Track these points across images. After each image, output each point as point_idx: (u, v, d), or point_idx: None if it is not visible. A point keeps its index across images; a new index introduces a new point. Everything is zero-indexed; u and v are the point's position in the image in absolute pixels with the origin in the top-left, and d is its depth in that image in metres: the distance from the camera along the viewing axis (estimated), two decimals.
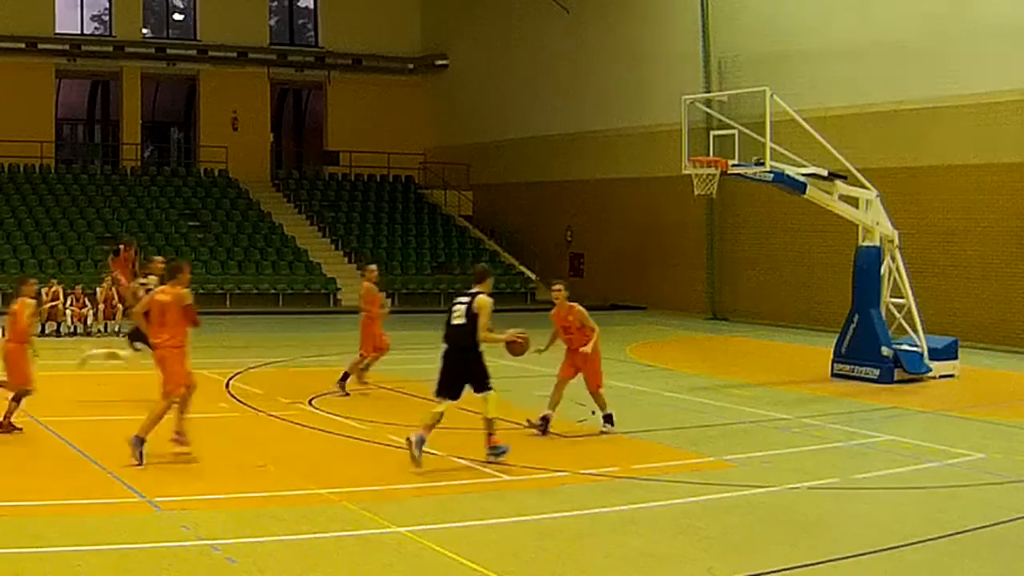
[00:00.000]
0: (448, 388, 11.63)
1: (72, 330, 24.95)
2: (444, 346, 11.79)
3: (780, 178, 18.56)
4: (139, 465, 10.99)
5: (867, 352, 18.76)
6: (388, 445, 12.67)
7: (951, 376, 19.38)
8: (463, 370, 11.61)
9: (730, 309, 31.65)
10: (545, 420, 13.42)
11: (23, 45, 37.35)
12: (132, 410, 14.40)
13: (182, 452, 11.48)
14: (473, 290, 11.83)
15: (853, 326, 19.08)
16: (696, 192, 18.91)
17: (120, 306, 25.29)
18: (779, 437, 13.96)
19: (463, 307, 11.65)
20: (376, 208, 41.13)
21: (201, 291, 31.66)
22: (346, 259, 37.29)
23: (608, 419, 13.74)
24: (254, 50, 41.12)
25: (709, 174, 18.45)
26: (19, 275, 31.23)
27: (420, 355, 18.06)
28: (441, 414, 11.50)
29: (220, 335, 23.96)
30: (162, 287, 12.14)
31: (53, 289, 25.06)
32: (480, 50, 40.85)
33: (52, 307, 24.75)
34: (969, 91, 24.98)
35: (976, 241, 25.26)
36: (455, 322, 11.64)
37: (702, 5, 31.50)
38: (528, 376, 18.15)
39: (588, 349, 13.44)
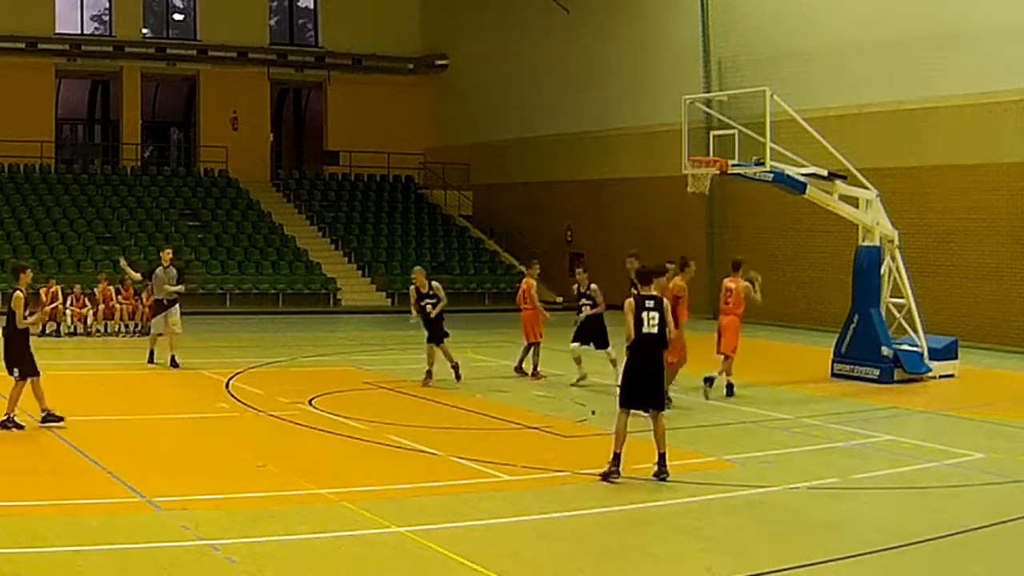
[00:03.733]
0: None
1: (72, 330, 24.92)
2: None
3: (780, 178, 18.54)
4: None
5: (867, 352, 18.73)
6: (388, 445, 12.67)
7: (951, 376, 19.34)
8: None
9: None
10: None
11: (23, 45, 37.27)
12: (132, 410, 14.44)
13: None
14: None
15: (853, 326, 19.05)
16: (689, 189, 18.91)
17: (117, 306, 25.34)
18: (779, 437, 13.96)
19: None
20: (376, 208, 41.10)
21: (201, 291, 31.69)
22: (346, 259, 37.29)
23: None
24: (254, 50, 41.06)
25: (703, 172, 18.48)
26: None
27: (419, 355, 18.05)
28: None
29: (220, 335, 23.95)
30: (730, 277, 16.76)
31: (53, 289, 24.96)
32: (480, 50, 40.81)
33: (52, 307, 24.71)
34: (969, 91, 24.92)
35: (976, 241, 25.20)
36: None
37: (702, 5, 31.44)
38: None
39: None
